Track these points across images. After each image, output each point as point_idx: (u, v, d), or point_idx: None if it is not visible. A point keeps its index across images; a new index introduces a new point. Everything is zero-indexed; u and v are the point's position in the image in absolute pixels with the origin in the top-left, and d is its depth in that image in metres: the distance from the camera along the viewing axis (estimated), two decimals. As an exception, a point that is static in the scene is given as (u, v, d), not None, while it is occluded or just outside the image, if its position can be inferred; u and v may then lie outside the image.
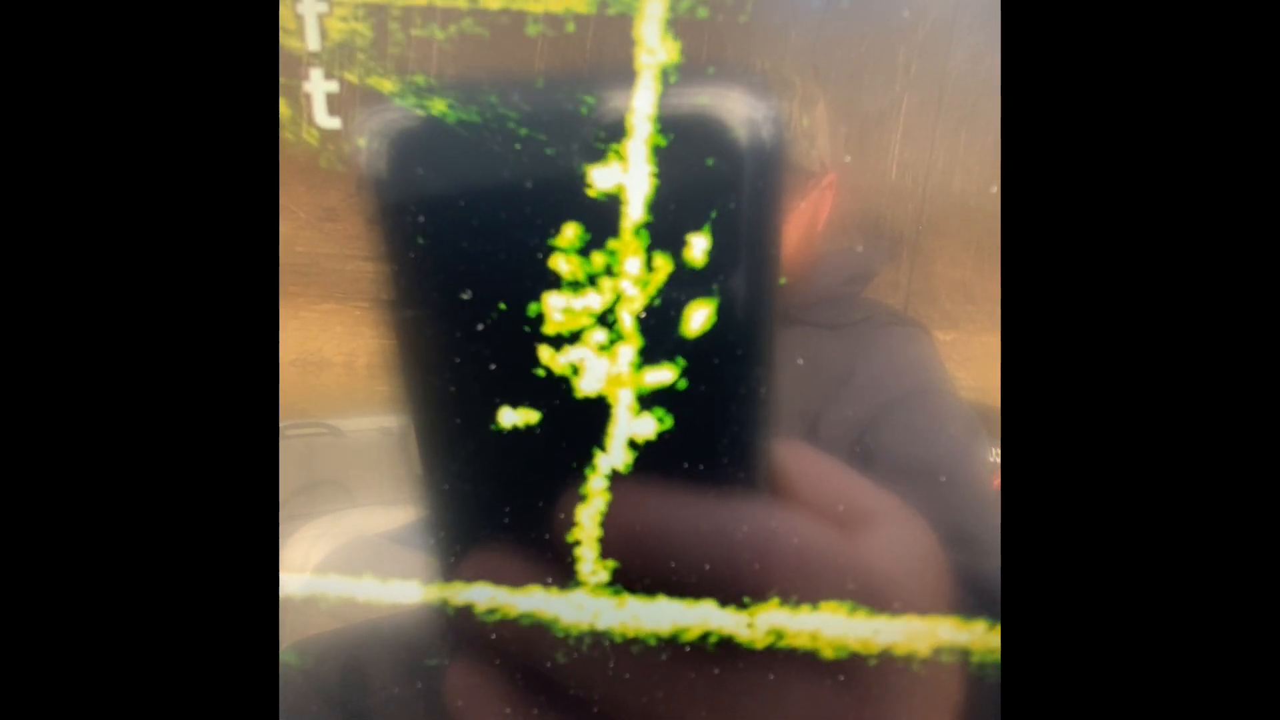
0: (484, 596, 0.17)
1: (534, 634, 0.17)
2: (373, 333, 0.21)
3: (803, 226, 0.18)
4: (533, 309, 0.15)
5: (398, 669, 0.19)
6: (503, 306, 0.15)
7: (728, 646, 0.16)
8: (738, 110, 0.14)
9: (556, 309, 0.15)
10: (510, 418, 0.16)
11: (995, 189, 0.15)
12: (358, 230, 0.20)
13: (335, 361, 0.21)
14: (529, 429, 0.16)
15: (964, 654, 0.17)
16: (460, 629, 0.17)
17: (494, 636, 0.17)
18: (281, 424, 0.20)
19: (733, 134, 0.14)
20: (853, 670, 0.17)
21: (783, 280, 0.16)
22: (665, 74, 0.14)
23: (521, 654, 0.17)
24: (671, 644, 0.17)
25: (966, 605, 0.17)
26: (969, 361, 0.18)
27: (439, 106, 0.15)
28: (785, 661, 0.17)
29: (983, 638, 0.17)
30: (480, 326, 0.15)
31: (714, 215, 0.14)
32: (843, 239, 0.18)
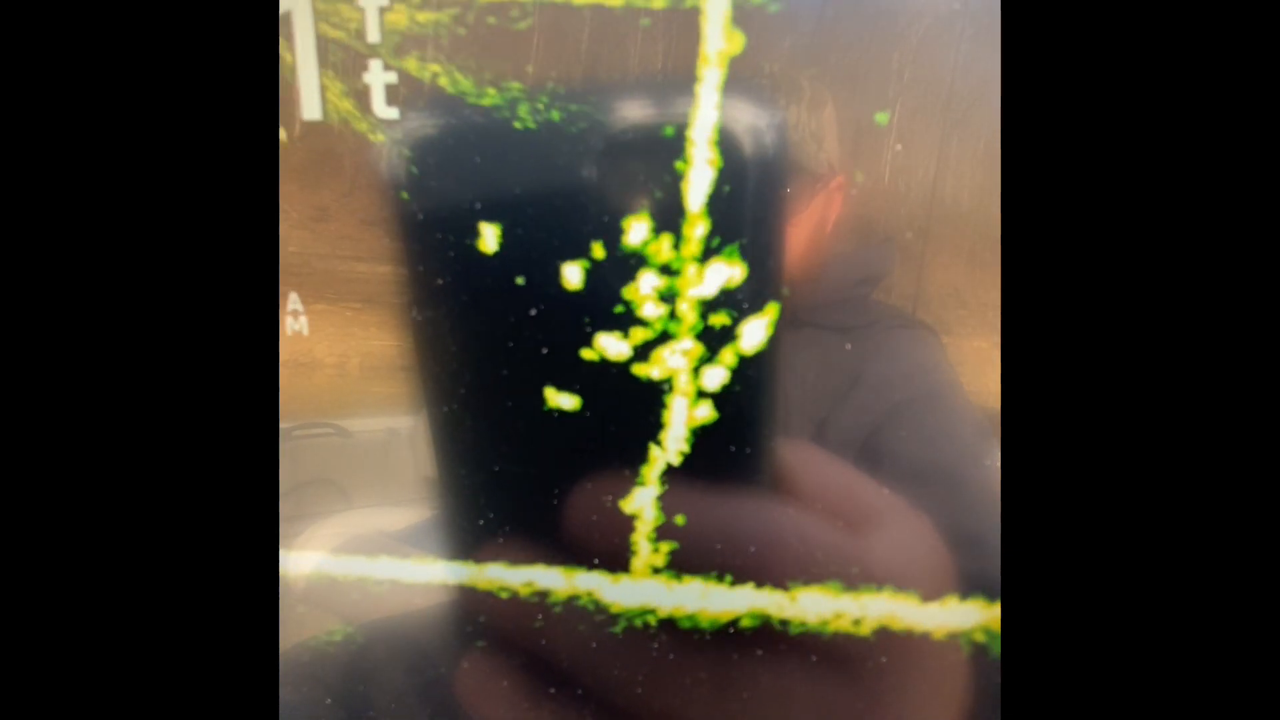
0: (526, 578, 0.19)
1: (578, 616, 0.18)
2: (365, 334, 0.22)
3: (812, 229, 0.19)
4: (587, 293, 0.17)
5: (436, 650, 0.21)
6: (552, 292, 0.17)
7: (766, 630, 0.18)
8: (771, 117, 0.16)
9: (615, 295, 0.17)
10: (562, 401, 0.17)
11: (992, 204, 0.16)
12: (351, 230, 0.21)
13: (327, 363, 0.23)
14: (582, 412, 0.18)
15: (968, 642, 0.19)
16: (501, 611, 0.19)
17: (539, 618, 0.18)
18: (287, 425, 0.21)
19: (777, 132, 0.16)
20: (882, 653, 0.18)
21: (797, 282, 0.18)
22: (728, 68, 0.16)
23: (562, 636, 0.19)
24: (717, 626, 0.18)
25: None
26: (961, 366, 0.20)
27: (496, 99, 0.17)
28: (827, 644, 0.18)
29: (986, 624, 0.18)
30: (533, 311, 0.17)
31: (759, 214, 0.16)
32: (852, 241, 0.19)
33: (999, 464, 0.17)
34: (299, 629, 0.23)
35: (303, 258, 0.21)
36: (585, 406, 0.18)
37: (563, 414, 0.18)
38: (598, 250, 0.17)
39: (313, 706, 0.23)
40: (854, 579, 0.18)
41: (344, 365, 0.22)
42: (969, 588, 0.19)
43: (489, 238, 0.17)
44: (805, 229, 0.19)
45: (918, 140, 0.18)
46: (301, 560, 0.22)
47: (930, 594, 0.19)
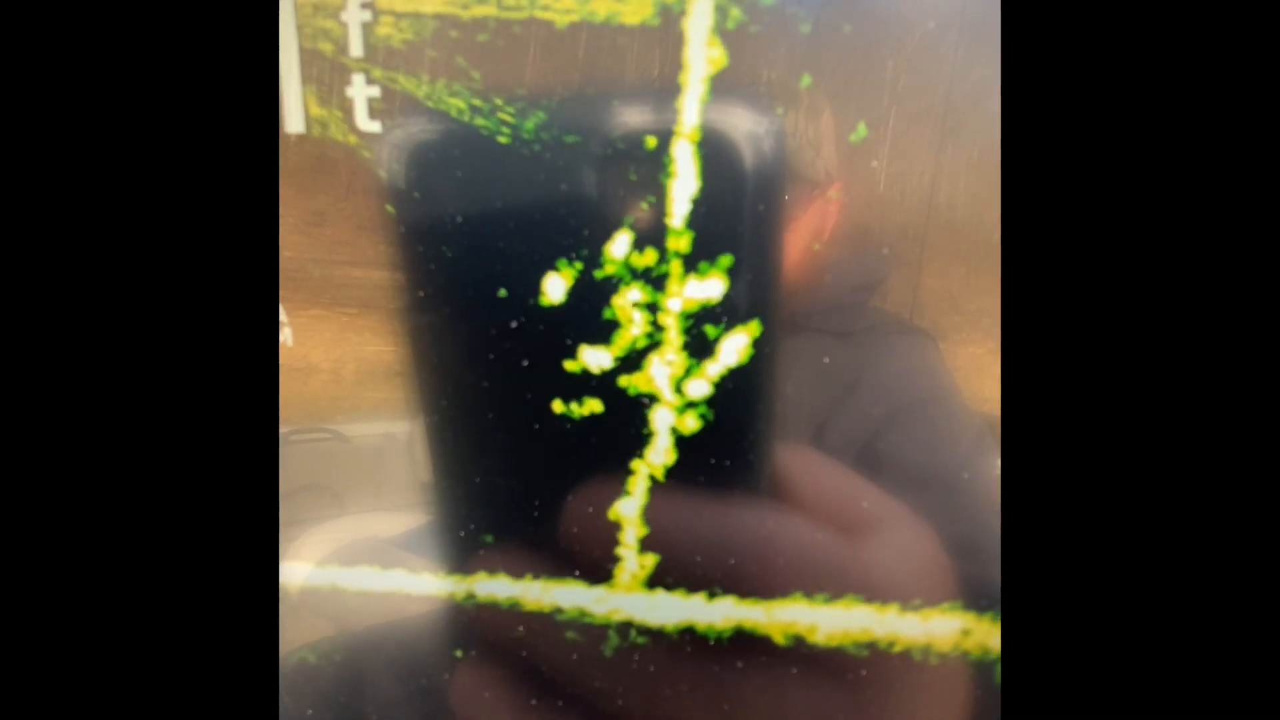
0: (509, 590, 0.19)
1: (561, 627, 0.19)
2: (361, 339, 0.23)
3: (809, 235, 0.20)
4: (571, 305, 0.17)
5: (424, 659, 0.21)
6: (534, 304, 0.17)
7: (750, 641, 0.18)
8: (762, 123, 0.16)
9: (599, 307, 0.17)
10: (545, 412, 0.18)
11: (986, 210, 0.17)
12: (346, 236, 0.22)
13: (322, 368, 0.23)
14: (565, 424, 0.18)
15: (968, 650, 0.19)
16: (484, 622, 0.19)
17: (520, 629, 0.19)
18: (283, 430, 0.21)
19: (759, 146, 0.16)
20: (875, 664, 0.19)
21: (789, 293, 0.18)
22: (710, 83, 0.16)
23: (546, 647, 0.19)
24: (697, 637, 0.19)
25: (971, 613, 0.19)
26: (956, 372, 0.20)
27: (478, 113, 0.17)
28: (808, 656, 0.19)
29: (985, 634, 0.19)
30: (514, 324, 0.17)
31: (745, 225, 0.17)
32: (848, 247, 0.20)
33: (998, 470, 0.18)
34: (293, 635, 0.23)
35: (298, 263, 0.22)
36: (568, 418, 0.18)
37: (546, 425, 0.18)
38: (581, 263, 0.17)
39: (306, 713, 0.23)
40: (850, 587, 0.19)
41: (339, 370, 0.23)
42: (968, 594, 0.19)
43: (469, 248, 0.17)
44: (802, 235, 0.19)
45: (913, 148, 0.18)
46: (296, 566, 0.23)
47: (929, 601, 0.19)
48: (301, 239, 0.22)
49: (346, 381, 0.23)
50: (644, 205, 0.17)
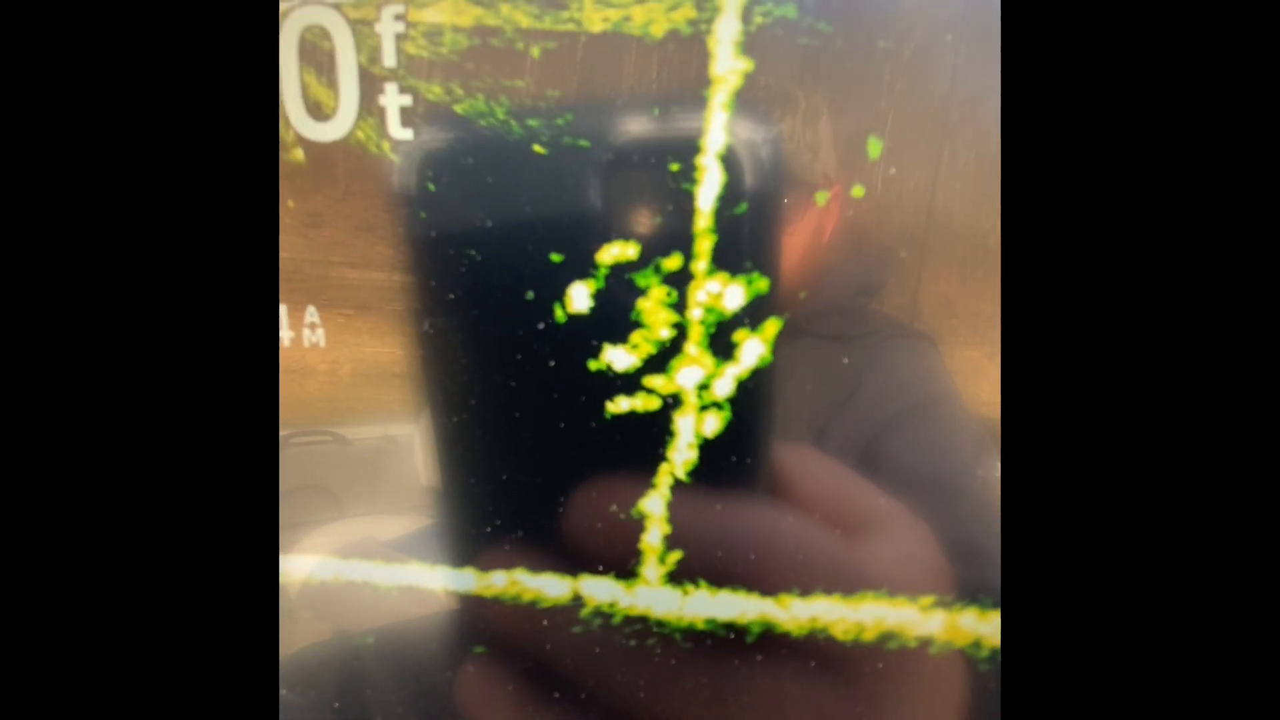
0: (533, 585, 0.20)
1: (584, 622, 0.19)
2: (358, 340, 0.23)
3: (809, 239, 0.20)
4: (596, 308, 0.18)
5: (437, 657, 0.22)
6: (560, 306, 0.18)
7: (771, 636, 0.19)
8: (776, 133, 0.17)
9: (623, 311, 0.18)
10: (571, 411, 0.18)
11: (982, 214, 0.17)
12: (344, 237, 0.22)
13: (319, 369, 0.23)
14: (588, 423, 0.18)
15: (967, 649, 0.19)
16: (507, 617, 0.19)
17: (544, 623, 0.19)
18: (284, 432, 0.22)
19: (781, 153, 0.17)
20: (893, 658, 0.19)
21: (802, 294, 0.19)
22: (735, 93, 0.17)
23: (569, 642, 0.19)
24: (718, 632, 0.19)
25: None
26: (954, 375, 0.20)
27: (509, 121, 0.17)
28: (827, 650, 0.19)
29: (987, 631, 0.19)
30: (541, 325, 0.18)
31: (766, 230, 0.17)
32: (849, 251, 0.20)
33: (998, 472, 0.18)
34: (294, 636, 0.24)
35: (295, 264, 0.22)
36: (594, 418, 0.18)
37: (571, 425, 0.18)
38: (607, 266, 0.18)
39: (308, 714, 0.24)
40: (854, 585, 0.19)
41: (336, 372, 0.23)
42: (968, 595, 0.20)
43: (497, 252, 0.18)
44: (803, 239, 0.19)
45: (913, 152, 0.18)
46: (295, 567, 0.23)
47: (929, 600, 0.19)
48: (299, 240, 0.22)
49: (343, 383, 0.23)
50: (669, 209, 0.17)
